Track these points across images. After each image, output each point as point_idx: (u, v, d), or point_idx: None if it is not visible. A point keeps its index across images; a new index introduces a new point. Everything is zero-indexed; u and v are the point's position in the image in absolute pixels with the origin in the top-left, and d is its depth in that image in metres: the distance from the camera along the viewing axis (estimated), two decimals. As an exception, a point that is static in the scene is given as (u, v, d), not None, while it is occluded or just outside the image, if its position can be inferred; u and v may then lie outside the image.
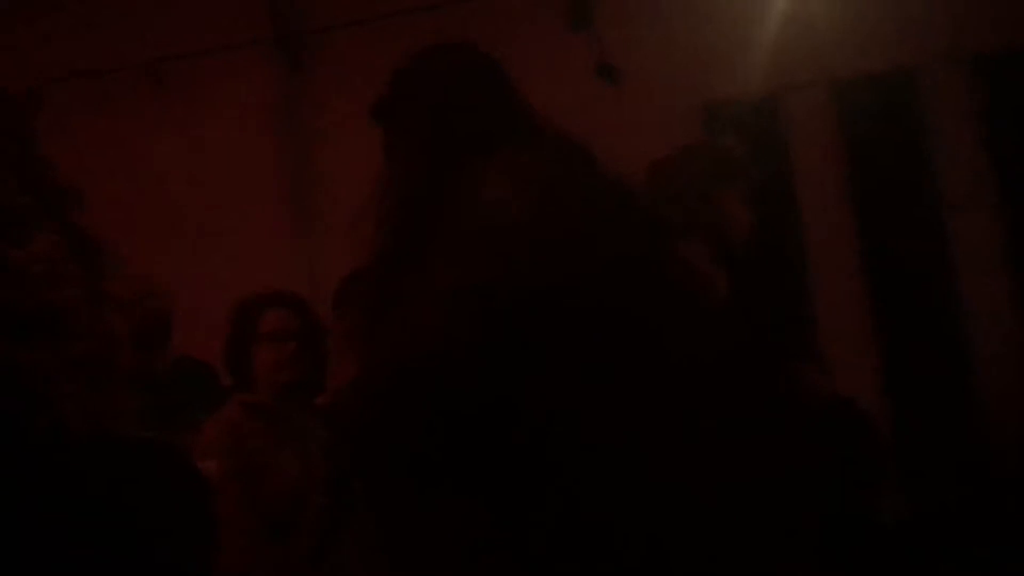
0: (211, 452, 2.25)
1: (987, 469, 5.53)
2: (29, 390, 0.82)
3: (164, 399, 2.37)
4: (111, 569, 0.85)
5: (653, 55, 6.06)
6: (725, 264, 2.43)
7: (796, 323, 6.01)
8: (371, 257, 1.38)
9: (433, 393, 1.14)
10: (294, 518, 2.25)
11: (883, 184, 6.25)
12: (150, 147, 6.57)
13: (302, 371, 2.40)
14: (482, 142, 1.52)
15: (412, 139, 1.42)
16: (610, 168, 1.63)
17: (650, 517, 2.28)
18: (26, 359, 0.86)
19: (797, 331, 5.89)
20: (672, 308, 1.48)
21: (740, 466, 2.15)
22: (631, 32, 5.96)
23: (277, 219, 6.58)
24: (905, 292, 6.16)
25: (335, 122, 6.81)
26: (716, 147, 2.47)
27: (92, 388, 0.91)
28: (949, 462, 5.59)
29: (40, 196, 0.92)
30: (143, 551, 0.89)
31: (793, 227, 6.27)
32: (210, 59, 6.59)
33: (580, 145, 1.66)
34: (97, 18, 6.63)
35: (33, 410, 0.82)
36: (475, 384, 1.14)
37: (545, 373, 1.19)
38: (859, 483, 4.44)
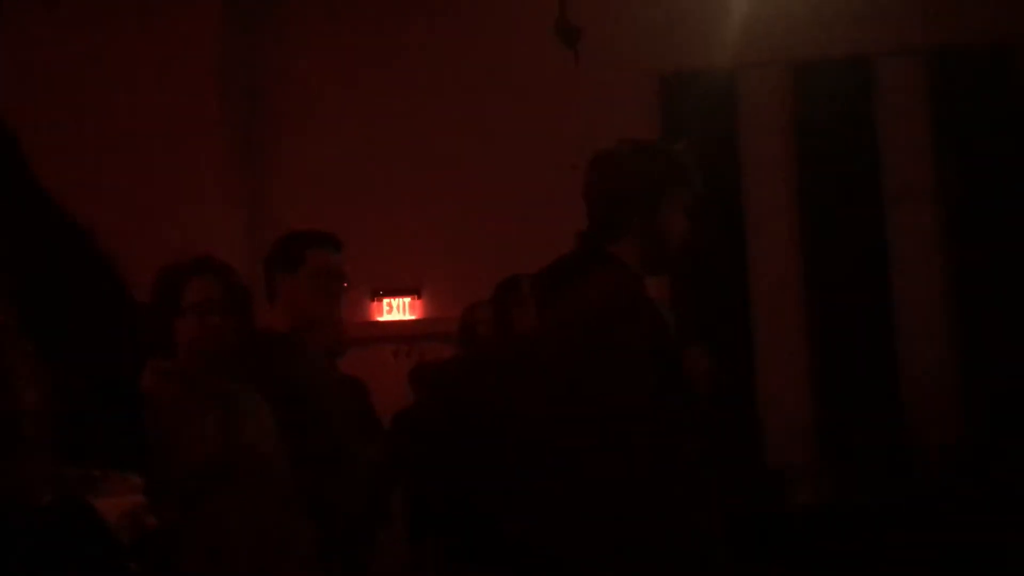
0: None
1: (909, 466, 5.65)
2: None
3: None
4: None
5: (613, 20, 5.96)
6: (658, 268, 2.40)
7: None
8: None
9: None
10: (214, 487, 2.21)
11: (830, 172, 6.27)
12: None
13: (228, 341, 2.32)
14: None
15: None
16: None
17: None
18: None
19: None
20: None
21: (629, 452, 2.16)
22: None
23: (222, 155, 6.39)
24: (842, 284, 6.22)
25: (293, 50, 6.63)
26: (670, 149, 2.39)
27: None
28: (873, 457, 5.70)
29: None
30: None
31: (735, 205, 6.28)
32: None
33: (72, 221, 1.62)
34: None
35: None
36: None
37: None
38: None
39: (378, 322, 6.45)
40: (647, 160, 2.31)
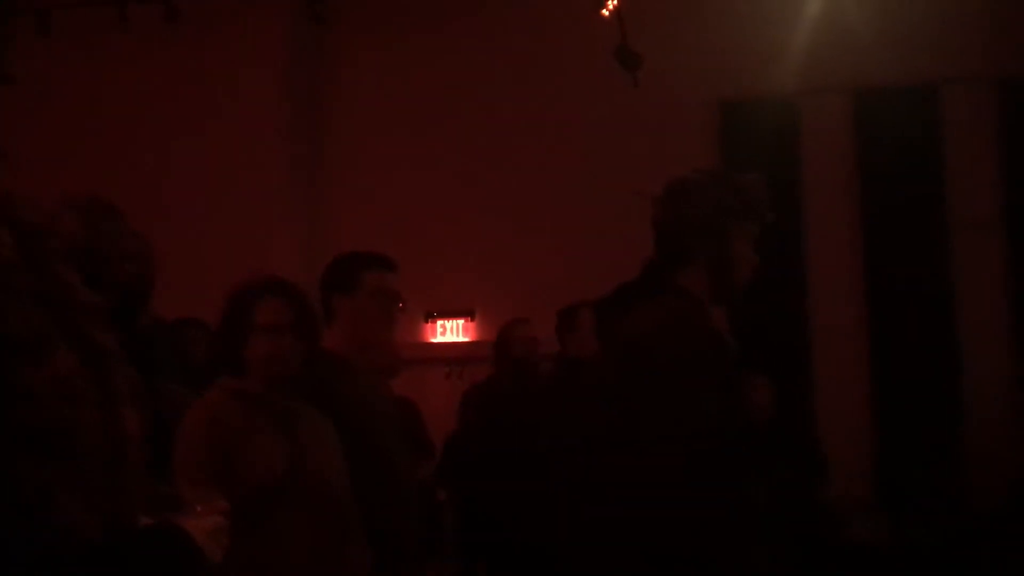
0: (192, 437, 2.22)
1: (968, 503, 5.53)
2: (32, 505, 0.80)
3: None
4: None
5: (675, 46, 5.93)
6: (723, 298, 2.37)
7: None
8: None
9: None
10: (276, 507, 2.22)
11: (894, 201, 6.17)
12: (158, 84, 6.42)
13: (296, 363, 2.34)
14: None
15: None
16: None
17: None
18: (31, 475, 0.85)
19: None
20: None
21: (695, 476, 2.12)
22: (656, 19, 5.81)
23: (282, 177, 6.47)
24: (905, 315, 6.12)
25: (352, 77, 6.72)
26: (742, 180, 2.38)
27: (102, 491, 0.89)
28: (932, 494, 5.58)
29: (56, 315, 0.89)
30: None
31: (797, 233, 6.20)
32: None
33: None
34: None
35: (36, 523, 0.80)
36: None
37: None
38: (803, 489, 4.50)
39: (431, 343, 6.48)
40: (720, 190, 2.31)
